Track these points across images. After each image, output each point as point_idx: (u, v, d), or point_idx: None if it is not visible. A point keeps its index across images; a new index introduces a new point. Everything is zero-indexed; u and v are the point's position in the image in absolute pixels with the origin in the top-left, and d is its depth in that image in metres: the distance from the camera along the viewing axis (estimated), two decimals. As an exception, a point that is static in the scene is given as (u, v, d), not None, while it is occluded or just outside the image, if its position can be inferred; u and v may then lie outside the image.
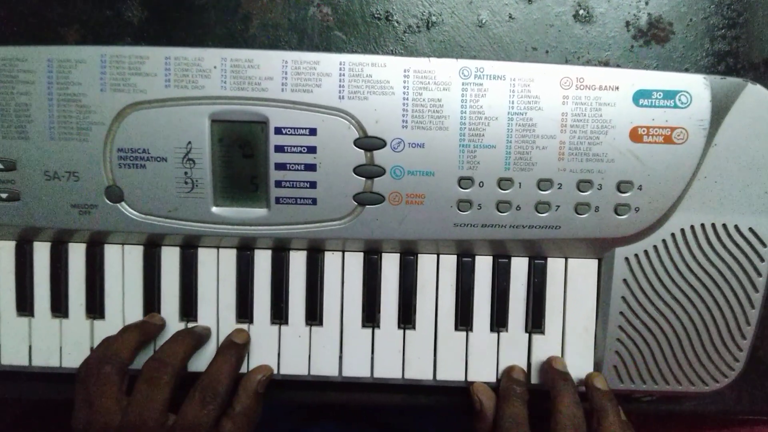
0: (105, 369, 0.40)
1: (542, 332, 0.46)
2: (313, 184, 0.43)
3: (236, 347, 0.44)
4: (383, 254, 0.46)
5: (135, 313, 0.46)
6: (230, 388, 0.42)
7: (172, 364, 0.41)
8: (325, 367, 0.46)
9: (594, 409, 0.42)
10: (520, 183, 0.42)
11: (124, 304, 0.46)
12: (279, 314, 0.46)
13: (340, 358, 0.46)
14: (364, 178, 0.42)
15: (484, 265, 0.46)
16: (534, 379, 0.46)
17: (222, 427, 0.41)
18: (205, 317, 0.46)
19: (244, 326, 0.46)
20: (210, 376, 0.42)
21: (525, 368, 0.46)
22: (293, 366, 0.46)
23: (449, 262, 0.46)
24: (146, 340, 0.44)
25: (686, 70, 0.47)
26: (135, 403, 0.39)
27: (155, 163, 0.42)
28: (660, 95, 0.42)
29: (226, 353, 0.44)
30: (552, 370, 0.44)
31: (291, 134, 0.42)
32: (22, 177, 0.43)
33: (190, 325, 0.46)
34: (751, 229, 0.43)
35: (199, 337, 0.45)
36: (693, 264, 0.44)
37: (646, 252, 0.44)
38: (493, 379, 0.46)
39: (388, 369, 0.46)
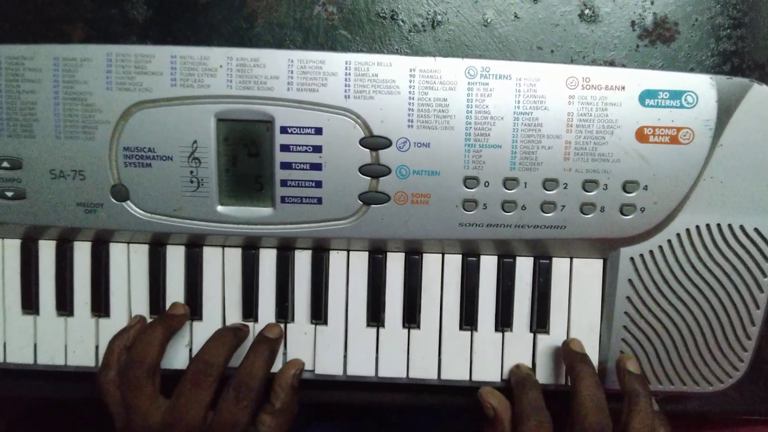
0: (135, 373, 0.41)
1: (547, 332, 0.46)
2: (318, 184, 0.43)
3: (269, 342, 0.44)
4: (388, 253, 0.46)
5: (140, 312, 0.46)
6: (264, 384, 0.42)
7: (216, 365, 0.41)
8: (330, 366, 0.46)
9: (625, 393, 0.41)
10: (525, 183, 0.42)
11: (129, 303, 0.46)
12: (284, 313, 0.46)
13: (345, 357, 0.46)
14: (369, 178, 0.42)
15: (489, 265, 0.46)
16: (541, 379, 0.46)
17: (261, 423, 0.42)
18: (210, 316, 0.46)
19: (250, 323, 0.46)
20: (244, 372, 0.42)
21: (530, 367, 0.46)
22: (298, 365, 0.46)
23: (454, 261, 0.46)
24: (171, 334, 0.44)
25: (691, 70, 0.47)
26: (180, 403, 0.40)
27: (161, 162, 0.42)
28: (666, 95, 0.42)
29: (258, 348, 0.43)
30: (570, 352, 0.44)
31: (296, 133, 0.42)
32: (27, 175, 0.43)
33: (195, 324, 0.46)
34: (756, 230, 0.43)
35: (240, 335, 0.45)
36: (698, 264, 0.44)
37: (651, 252, 0.44)
38: (497, 379, 0.46)
39: (392, 368, 0.46)
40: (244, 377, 0.41)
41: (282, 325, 0.46)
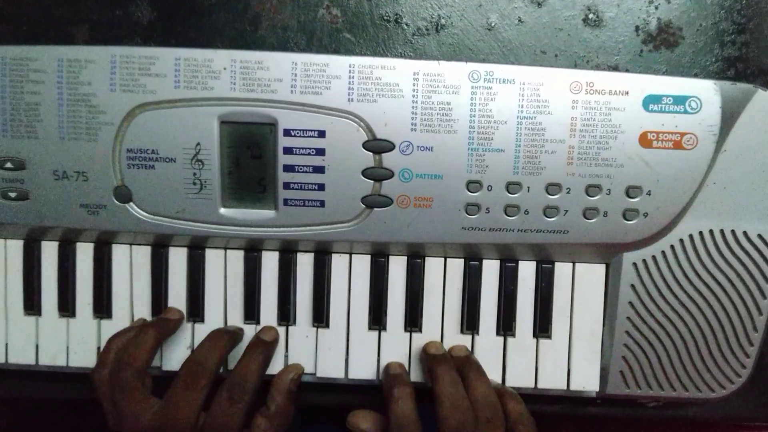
0: (124, 375, 0.41)
1: (549, 337, 0.46)
2: (321, 187, 0.43)
3: (264, 345, 0.44)
4: (390, 257, 0.46)
5: (142, 314, 0.46)
6: (258, 386, 0.42)
7: (209, 367, 0.41)
8: (332, 369, 0.46)
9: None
10: (528, 187, 0.42)
11: (131, 304, 0.46)
12: (286, 316, 0.46)
13: (347, 360, 0.46)
14: (372, 181, 0.42)
15: (491, 269, 0.46)
16: (543, 384, 0.46)
17: (256, 426, 0.41)
18: (211, 318, 0.46)
19: (251, 326, 0.46)
20: (238, 374, 0.42)
21: (532, 372, 0.46)
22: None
23: (456, 265, 0.46)
24: (163, 338, 0.44)
25: (695, 75, 0.47)
26: (171, 405, 0.40)
27: (164, 164, 0.42)
28: (670, 100, 0.42)
29: (253, 351, 0.43)
30: (427, 355, 0.44)
31: (300, 136, 0.42)
32: (31, 176, 0.43)
33: (197, 326, 0.46)
34: (759, 236, 0.43)
35: (235, 337, 0.45)
36: (701, 270, 0.44)
37: (654, 257, 0.44)
38: (499, 382, 0.46)
39: (394, 372, 0.46)
40: (238, 380, 0.41)
41: (281, 329, 0.46)
